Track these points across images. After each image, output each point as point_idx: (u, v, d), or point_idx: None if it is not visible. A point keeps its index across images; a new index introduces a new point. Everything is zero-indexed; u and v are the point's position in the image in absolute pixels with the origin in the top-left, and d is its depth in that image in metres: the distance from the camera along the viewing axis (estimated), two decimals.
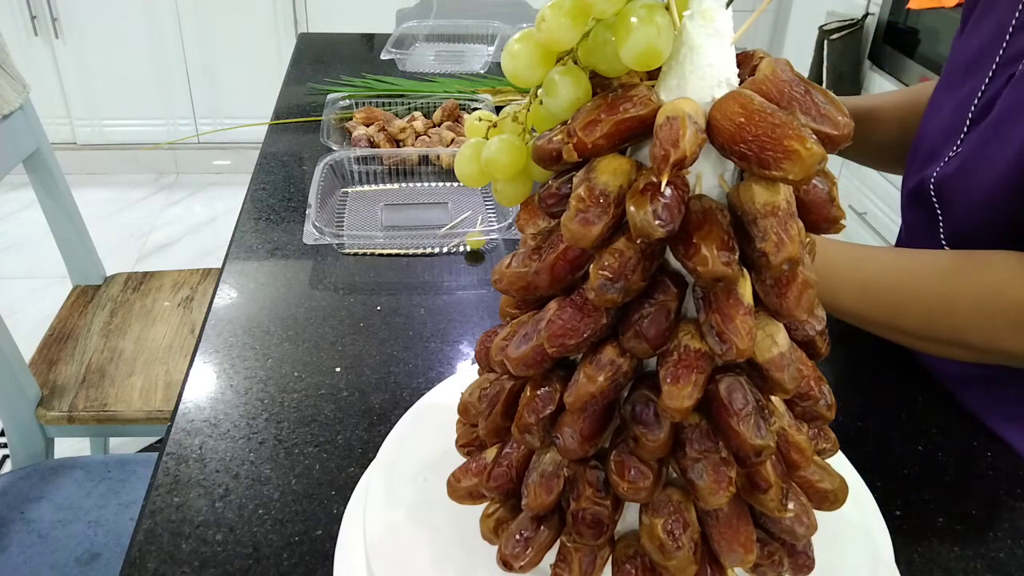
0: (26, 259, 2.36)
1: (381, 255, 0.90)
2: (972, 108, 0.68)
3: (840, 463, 0.51)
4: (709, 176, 0.34)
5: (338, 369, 0.70)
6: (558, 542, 0.40)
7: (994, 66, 0.67)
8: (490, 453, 0.43)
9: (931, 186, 0.70)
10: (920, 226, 0.75)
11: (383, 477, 0.49)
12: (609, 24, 0.33)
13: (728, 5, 0.33)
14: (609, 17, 0.33)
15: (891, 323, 0.65)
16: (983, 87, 0.68)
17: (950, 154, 0.69)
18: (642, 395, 0.35)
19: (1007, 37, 0.67)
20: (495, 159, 0.39)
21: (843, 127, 0.32)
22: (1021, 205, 0.62)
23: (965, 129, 0.69)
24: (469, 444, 0.45)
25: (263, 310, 0.79)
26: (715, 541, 0.37)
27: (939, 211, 0.70)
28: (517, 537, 0.39)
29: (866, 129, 0.86)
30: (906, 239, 0.80)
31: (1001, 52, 0.67)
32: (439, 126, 1.21)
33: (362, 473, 0.58)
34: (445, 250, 0.91)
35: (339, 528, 0.53)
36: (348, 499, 0.55)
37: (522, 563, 0.39)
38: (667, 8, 0.32)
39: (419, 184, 1.08)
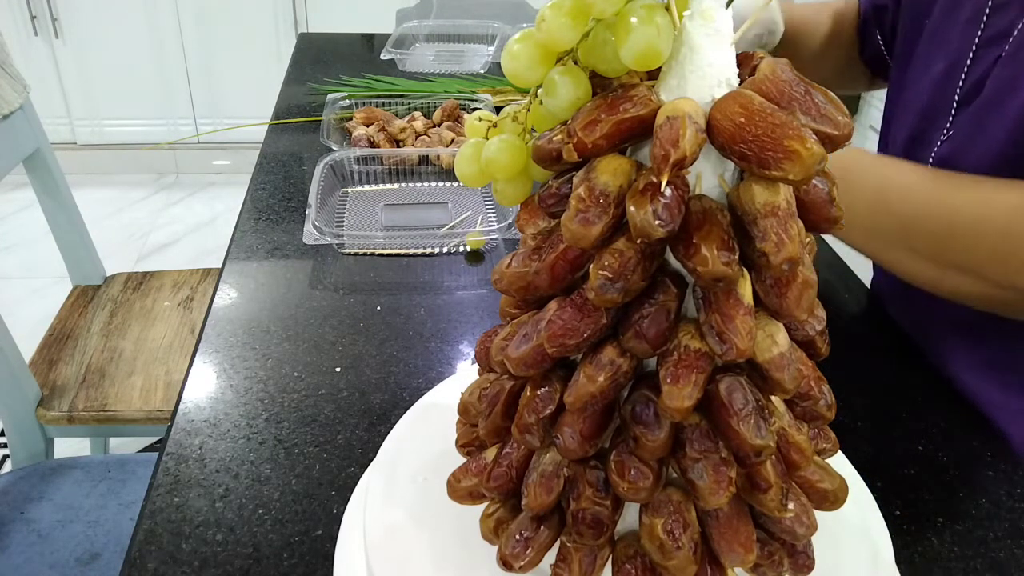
0: (26, 259, 2.36)
1: (381, 255, 0.90)
2: (957, 91, 0.68)
3: (840, 463, 0.51)
4: (709, 176, 0.34)
5: (338, 369, 0.70)
6: (558, 542, 0.40)
7: (974, 47, 0.67)
8: (490, 453, 0.43)
9: None
10: None
11: (383, 477, 0.49)
12: (609, 24, 0.33)
13: (728, 5, 0.33)
14: (609, 17, 0.33)
15: (903, 240, 0.59)
16: (966, 69, 0.68)
17: (942, 138, 0.69)
18: (642, 395, 0.35)
19: (984, 19, 0.67)
20: (495, 159, 0.39)
21: (843, 127, 0.32)
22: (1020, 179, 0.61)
23: (953, 112, 0.68)
24: (469, 444, 0.45)
25: (263, 310, 0.79)
26: (715, 541, 0.37)
27: None
28: (517, 537, 0.39)
29: (800, 44, 0.88)
30: None
31: (980, 34, 0.67)
32: (439, 126, 1.21)
33: (362, 473, 0.58)
34: (445, 250, 0.91)
35: (339, 528, 0.53)
36: (348, 499, 0.55)
37: (522, 563, 0.39)
38: (667, 8, 0.32)
39: (419, 184, 1.08)
